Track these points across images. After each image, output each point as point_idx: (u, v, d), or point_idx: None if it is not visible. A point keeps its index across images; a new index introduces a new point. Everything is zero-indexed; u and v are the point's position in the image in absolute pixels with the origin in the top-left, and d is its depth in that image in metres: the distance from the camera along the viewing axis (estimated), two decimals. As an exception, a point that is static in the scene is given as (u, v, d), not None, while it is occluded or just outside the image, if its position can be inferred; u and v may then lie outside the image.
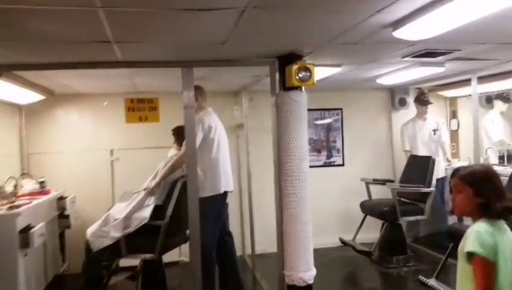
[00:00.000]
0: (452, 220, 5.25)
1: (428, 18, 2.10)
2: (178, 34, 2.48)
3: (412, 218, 4.72)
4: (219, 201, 3.74)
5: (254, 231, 4.89)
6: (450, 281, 3.73)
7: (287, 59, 2.91)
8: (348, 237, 5.16)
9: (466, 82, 4.90)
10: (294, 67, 2.78)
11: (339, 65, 3.60)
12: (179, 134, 3.72)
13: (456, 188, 1.82)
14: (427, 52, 3.15)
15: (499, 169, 4.75)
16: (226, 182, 3.78)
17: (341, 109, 5.79)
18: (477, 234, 1.72)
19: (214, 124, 3.73)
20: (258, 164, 4.83)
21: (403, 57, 3.34)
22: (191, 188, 3.11)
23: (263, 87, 3.71)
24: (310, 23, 2.32)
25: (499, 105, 5.30)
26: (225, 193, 3.77)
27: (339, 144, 5.80)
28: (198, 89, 3.59)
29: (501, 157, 5.04)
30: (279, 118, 2.98)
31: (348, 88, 5.57)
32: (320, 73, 3.40)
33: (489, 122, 5.23)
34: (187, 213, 3.12)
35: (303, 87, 2.89)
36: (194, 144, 3.17)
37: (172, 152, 3.90)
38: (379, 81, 4.53)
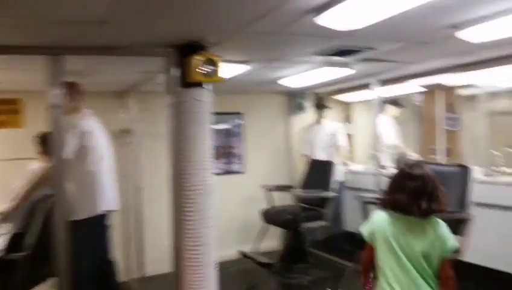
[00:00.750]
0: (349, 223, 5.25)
1: (355, 2, 1.79)
2: (41, 7, 1.81)
3: (313, 224, 4.54)
4: (97, 224, 3.09)
5: (144, 252, 4.26)
6: (356, 287, 3.58)
7: (188, 49, 2.40)
8: (249, 248, 4.84)
9: (363, 87, 4.94)
10: (198, 59, 2.28)
11: (247, 62, 3.19)
12: (46, 142, 2.94)
13: None
14: (342, 50, 2.90)
15: (393, 172, 4.87)
16: (108, 200, 3.13)
17: (241, 114, 5.42)
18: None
19: (93, 129, 3.06)
20: (151, 176, 4.25)
21: (316, 54, 3.05)
22: (59, 209, 2.42)
23: (157, 88, 3.13)
24: (217, 4, 1.87)
25: (392, 110, 5.44)
26: (106, 213, 3.12)
27: (239, 151, 5.43)
28: (72, 86, 2.90)
29: (397, 160, 5.14)
30: (177, 121, 2.47)
31: (249, 91, 5.25)
32: (226, 72, 2.93)
33: (384, 126, 5.33)
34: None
35: (208, 84, 2.40)
36: (61, 154, 2.47)
37: (35, 165, 3.09)
38: (282, 82, 4.25)
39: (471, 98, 4.53)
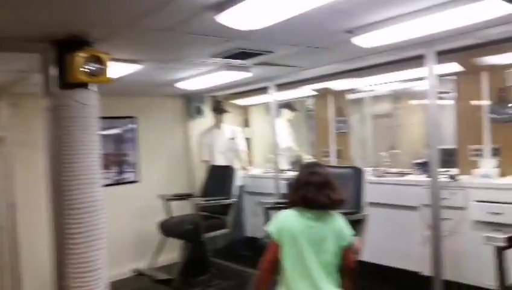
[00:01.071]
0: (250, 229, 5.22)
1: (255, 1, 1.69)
2: None
3: (215, 233, 4.38)
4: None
5: (21, 282, 3.70)
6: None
7: (69, 45, 2.08)
8: (147, 264, 4.52)
9: (260, 91, 4.94)
10: (81, 56, 1.98)
11: (139, 61, 2.91)
12: None
13: None
14: (240, 53, 2.80)
15: (292, 174, 4.94)
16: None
17: (135, 118, 5.05)
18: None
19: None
20: (27, 192, 3.74)
21: (215, 57, 2.91)
22: None
23: (32, 90, 2.70)
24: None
25: (286, 113, 5.54)
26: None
27: (132, 158, 5.05)
28: None
29: (292, 163, 5.24)
30: (57, 128, 2.12)
31: (143, 93, 4.91)
32: (115, 71, 2.63)
33: (278, 129, 5.39)
34: None
35: (93, 85, 2.10)
36: None
37: None
38: (178, 85, 4.03)
39: (358, 101, 4.80)
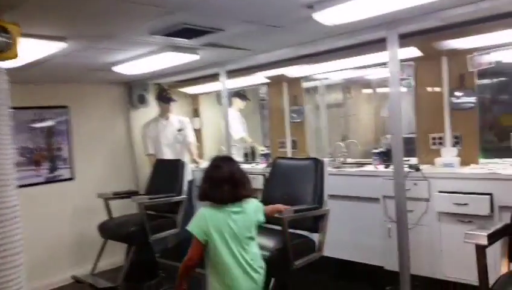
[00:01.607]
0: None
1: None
2: None
3: (163, 234, 3.98)
4: None
5: None
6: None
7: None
8: (86, 269, 4.07)
9: (210, 78, 4.59)
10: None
11: (63, 38, 2.44)
12: None
13: None
14: (184, 30, 2.42)
15: (246, 167, 4.65)
16: None
17: (67, 107, 4.51)
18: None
19: None
20: None
21: (153, 34, 2.50)
22: None
23: None
24: None
25: (237, 102, 5.22)
26: None
27: (65, 153, 4.51)
28: None
29: (246, 155, 4.93)
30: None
31: (76, 79, 4.38)
32: (34, 50, 2.16)
33: (230, 119, 5.07)
34: None
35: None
36: None
37: None
38: (117, 70, 3.56)
39: (312, 90, 4.56)
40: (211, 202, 2.14)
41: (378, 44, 3.03)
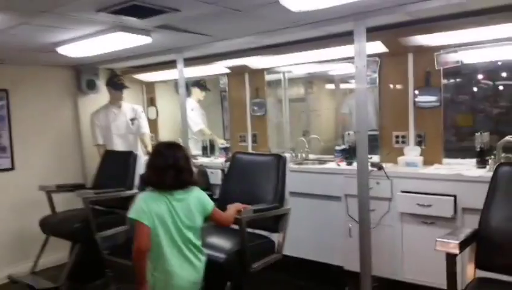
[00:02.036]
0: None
1: None
2: None
3: (111, 231, 3.67)
4: None
5: None
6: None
7: None
8: (26, 267, 3.73)
9: (167, 66, 4.31)
10: None
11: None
12: None
13: None
14: (134, 8, 2.15)
15: (205, 161, 4.43)
16: None
17: (6, 91, 4.08)
18: None
19: None
20: None
21: (99, 11, 2.21)
22: None
23: None
24: None
25: (197, 92, 4.97)
26: None
27: (5, 140, 4.09)
28: None
29: (205, 148, 4.70)
30: None
31: (16, 61, 3.97)
32: None
33: (189, 110, 4.80)
34: None
35: None
36: None
37: None
38: (62, 51, 3.21)
39: (275, 83, 4.37)
40: (153, 188, 2.09)
41: (345, 37, 2.91)
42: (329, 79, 4.82)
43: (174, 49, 3.58)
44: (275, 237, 2.79)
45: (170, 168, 2.07)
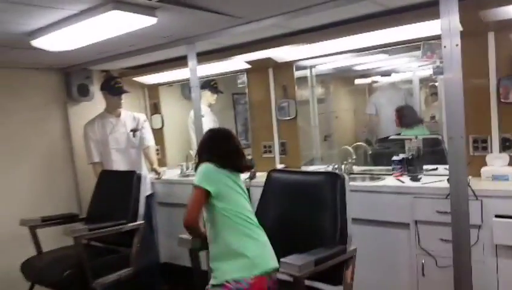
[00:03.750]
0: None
1: None
2: None
3: (112, 277, 2.88)
4: None
5: None
6: None
7: None
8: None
9: (173, 63, 3.61)
10: None
11: None
12: None
13: None
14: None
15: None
16: None
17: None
18: None
19: None
20: None
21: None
22: None
23: None
24: None
25: (207, 96, 4.20)
26: None
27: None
28: None
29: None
30: None
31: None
32: None
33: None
34: None
35: None
36: None
37: None
38: (37, 43, 2.43)
39: (299, 80, 3.60)
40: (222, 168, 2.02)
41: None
42: (358, 75, 4.15)
43: (184, 40, 2.82)
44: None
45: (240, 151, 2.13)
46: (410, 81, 4.11)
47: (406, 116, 3.59)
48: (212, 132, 2.23)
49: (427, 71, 3.82)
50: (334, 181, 2.12)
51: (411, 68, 4.02)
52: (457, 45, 1.93)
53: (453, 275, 2.05)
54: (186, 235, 2.10)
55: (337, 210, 2.06)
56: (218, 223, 1.95)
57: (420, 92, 4.13)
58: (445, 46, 1.96)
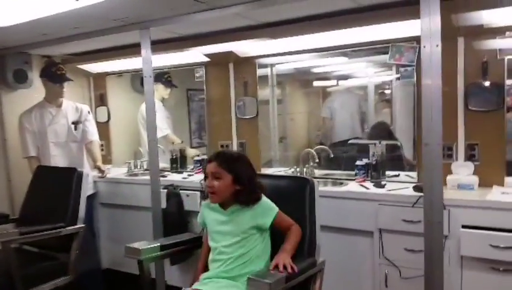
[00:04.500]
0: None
1: None
2: None
3: (48, 285, 2.55)
4: None
5: None
6: None
7: None
8: None
9: (123, 50, 3.33)
10: None
11: None
12: None
13: (214, 175, 1.83)
14: None
15: (175, 178, 3.40)
16: None
17: None
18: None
19: None
20: None
21: None
22: None
23: None
24: None
25: (160, 89, 3.92)
26: None
27: None
28: None
29: (174, 161, 3.66)
30: None
31: None
32: None
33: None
34: None
35: None
36: None
37: None
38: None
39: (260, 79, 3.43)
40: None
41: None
42: (316, 77, 4.05)
43: (138, 24, 2.54)
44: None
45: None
46: (365, 87, 4.09)
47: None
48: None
49: (382, 78, 3.84)
50: (303, 186, 1.95)
51: (367, 74, 4.00)
52: (437, 46, 1.84)
53: (424, 288, 1.94)
54: (136, 245, 1.84)
55: (306, 218, 1.89)
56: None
57: (374, 98, 4.13)
58: (424, 47, 1.85)
